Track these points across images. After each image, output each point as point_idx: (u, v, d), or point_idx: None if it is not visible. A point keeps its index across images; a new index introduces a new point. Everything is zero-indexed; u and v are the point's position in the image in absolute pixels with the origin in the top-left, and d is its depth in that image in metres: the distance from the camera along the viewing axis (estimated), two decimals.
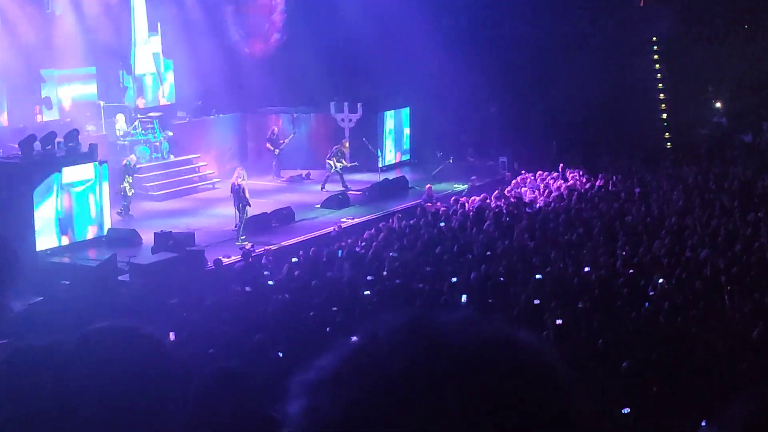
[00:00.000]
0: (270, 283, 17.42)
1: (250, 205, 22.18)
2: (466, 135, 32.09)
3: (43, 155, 21.12)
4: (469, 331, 1.37)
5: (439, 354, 1.33)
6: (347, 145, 28.47)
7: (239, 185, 22.02)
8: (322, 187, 27.27)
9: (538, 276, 16.48)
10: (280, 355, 12.49)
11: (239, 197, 21.93)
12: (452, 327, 1.38)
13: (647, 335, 13.28)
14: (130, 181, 23.95)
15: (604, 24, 33.00)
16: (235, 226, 22.15)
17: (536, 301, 14.98)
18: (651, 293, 15.49)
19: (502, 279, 16.62)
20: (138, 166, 24.66)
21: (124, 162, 24.44)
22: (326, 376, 1.36)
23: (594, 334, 13.32)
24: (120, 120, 26.78)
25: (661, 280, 15.96)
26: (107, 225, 22.00)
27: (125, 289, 17.82)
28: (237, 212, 21.94)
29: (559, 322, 13.71)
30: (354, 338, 1.41)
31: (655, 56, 33.86)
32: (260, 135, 30.87)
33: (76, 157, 21.56)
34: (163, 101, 29.07)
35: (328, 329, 13.73)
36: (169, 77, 29.52)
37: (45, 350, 2.29)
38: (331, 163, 27.44)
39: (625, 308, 14.65)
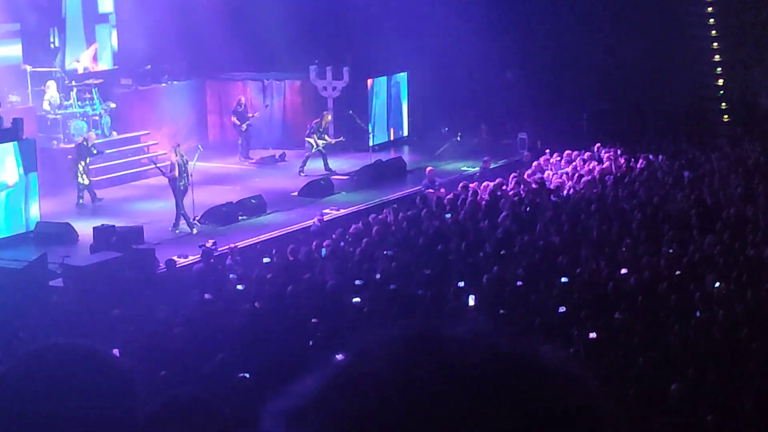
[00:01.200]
0: (239, 287, 17.44)
1: (190, 184, 22.42)
2: (477, 106, 32.09)
3: None
4: (482, 347, 1.37)
5: (446, 375, 1.33)
6: (329, 118, 28.48)
7: (184, 161, 22.17)
8: (301, 171, 27.28)
9: (563, 279, 16.51)
10: (247, 376, 12.51)
11: (185, 176, 22.08)
12: (461, 342, 1.38)
13: (699, 352, 13.32)
14: (84, 164, 23.94)
15: None
16: (194, 218, 22.26)
17: (561, 309, 15.01)
18: (703, 300, 15.52)
19: (520, 283, 16.65)
20: (93, 147, 24.53)
21: (80, 140, 24.46)
22: (307, 402, 1.36)
23: (634, 350, 13.36)
24: (51, 88, 26.67)
25: (717, 284, 16.00)
26: (35, 218, 21.96)
27: (58, 297, 17.79)
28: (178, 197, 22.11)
29: (592, 335, 13.75)
30: (340, 356, 1.41)
31: (709, 8, 33.85)
32: (224, 107, 30.84)
33: None
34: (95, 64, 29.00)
35: (311, 344, 13.75)
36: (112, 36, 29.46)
37: None
38: (311, 141, 27.46)
39: (671, 319, 14.68)
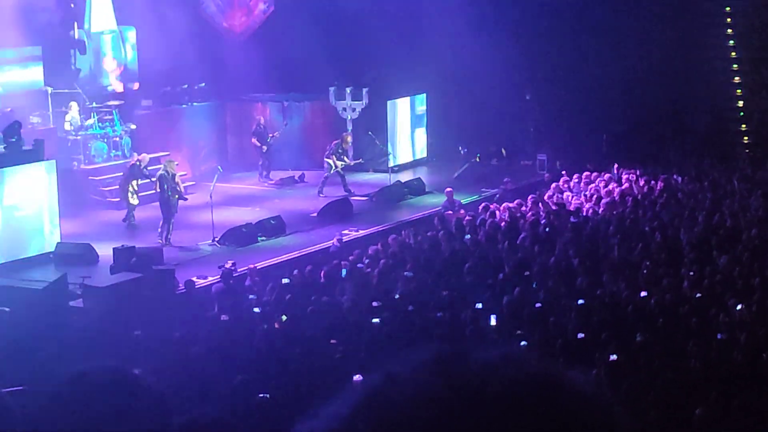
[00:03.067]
0: (256, 310, 17.44)
1: (185, 199, 22.88)
2: (496, 128, 32.08)
3: None
4: (510, 371, 1.37)
5: (473, 399, 1.33)
6: (349, 139, 28.50)
7: (169, 174, 22.74)
8: (320, 192, 27.29)
9: (580, 301, 16.47)
10: (267, 396, 12.50)
11: (173, 189, 22.57)
12: (489, 366, 1.38)
13: (721, 375, 13.25)
14: (135, 185, 24.19)
15: None
16: (213, 239, 22.44)
17: (580, 336, 14.96)
18: (725, 323, 15.45)
19: (539, 305, 16.61)
20: (146, 168, 24.78)
21: (134, 161, 24.64)
22: (336, 426, 1.36)
23: (654, 373, 13.30)
24: (73, 109, 26.74)
25: (739, 307, 15.93)
26: (56, 238, 22.04)
27: (78, 317, 17.83)
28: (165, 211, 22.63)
29: (613, 358, 13.69)
30: (357, 377, 1.41)
31: (729, 30, 33.80)
32: (243, 128, 30.91)
33: (17, 155, 21.63)
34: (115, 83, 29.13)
35: (330, 364, 13.72)
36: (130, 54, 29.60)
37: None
38: (331, 162, 27.48)
39: (692, 341, 14.61)
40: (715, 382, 12.93)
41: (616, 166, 27.91)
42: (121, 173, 24.91)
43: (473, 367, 1.37)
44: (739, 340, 14.47)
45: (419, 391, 1.34)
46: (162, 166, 23.33)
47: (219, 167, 25.18)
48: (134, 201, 24.32)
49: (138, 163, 24.57)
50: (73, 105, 26.84)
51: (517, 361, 1.39)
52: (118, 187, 24.88)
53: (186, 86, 30.15)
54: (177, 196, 22.80)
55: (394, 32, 30.74)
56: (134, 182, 24.21)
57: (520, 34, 31.78)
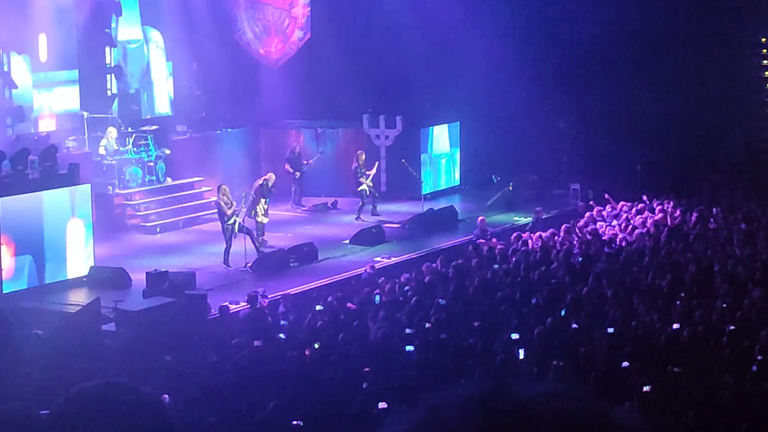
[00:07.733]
0: (281, 336, 17.44)
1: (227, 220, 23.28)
2: (529, 156, 32.04)
3: (13, 177, 21.33)
4: (555, 408, 1.35)
5: None
6: (363, 157, 28.55)
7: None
8: (357, 217, 27.40)
9: (610, 330, 16.38)
10: (301, 424, 12.47)
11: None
12: (534, 402, 1.35)
13: (756, 407, 13.13)
14: (264, 203, 24.46)
15: (701, 20, 32.89)
16: (246, 264, 22.48)
17: (625, 364, 14.86)
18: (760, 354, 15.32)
19: (572, 334, 16.52)
20: (272, 187, 25.09)
21: (261, 181, 24.82)
22: None
23: (687, 405, 13.19)
24: (111, 134, 26.78)
25: None
26: (89, 262, 22.14)
27: (111, 341, 17.88)
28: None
29: (646, 389, 13.60)
30: (382, 405, 1.39)
31: (765, 61, 33.68)
32: (277, 154, 31.00)
33: (53, 179, 21.76)
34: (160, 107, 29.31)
35: (363, 392, 13.69)
36: (167, 84, 29.78)
37: (16, 421, 2.28)
38: (363, 186, 27.59)
39: (725, 373, 14.48)
40: (748, 414, 12.82)
41: (644, 197, 27.80)
42: (252, 195, 25.04)
43: (518, 403, 1.34)
44: None
45: (464, 426, 1.31)
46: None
47: (244, 193, 25.18)
48: (264, 220, 24.57)
49: (265, 182, 24.72)
50: (112, 130, 26.85)
51: (562, 398, 1.36)
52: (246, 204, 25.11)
53: (221, 113, 30.29)
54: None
55: (429, 60, 30.84)
56: (263, 201, 24.39)
57: (555, 64, 31.79)
